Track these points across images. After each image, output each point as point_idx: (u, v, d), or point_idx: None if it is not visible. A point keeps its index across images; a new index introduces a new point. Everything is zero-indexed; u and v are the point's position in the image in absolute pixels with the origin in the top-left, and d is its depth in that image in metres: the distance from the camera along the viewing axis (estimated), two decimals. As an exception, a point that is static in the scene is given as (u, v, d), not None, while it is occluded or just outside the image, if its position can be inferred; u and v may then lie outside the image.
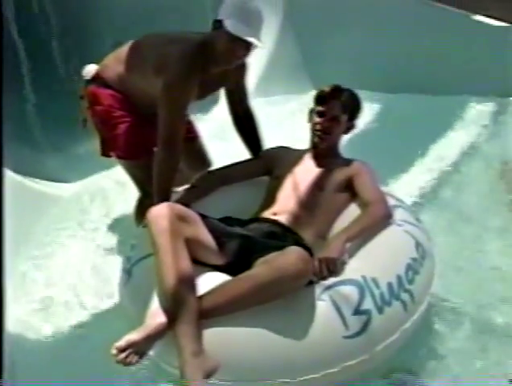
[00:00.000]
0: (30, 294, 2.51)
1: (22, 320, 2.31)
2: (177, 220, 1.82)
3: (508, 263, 2.51)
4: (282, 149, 2.49)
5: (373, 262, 1.92)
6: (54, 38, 4.17)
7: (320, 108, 2.29)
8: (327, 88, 2.30)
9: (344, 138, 2.39)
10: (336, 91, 2.28)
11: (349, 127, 2.35)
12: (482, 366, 1.99)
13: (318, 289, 1.80)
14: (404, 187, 3.09)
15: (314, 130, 2.32)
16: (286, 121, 4.16)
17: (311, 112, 2.33)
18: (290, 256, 1.71)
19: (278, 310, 1.73)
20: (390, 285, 1.84)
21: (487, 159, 3.45)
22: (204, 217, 1.99)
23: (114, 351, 1.61)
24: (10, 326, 2.14)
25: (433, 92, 4.16)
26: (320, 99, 2.30)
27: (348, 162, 2.29)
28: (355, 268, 1.88)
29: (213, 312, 1.72)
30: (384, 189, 2.30)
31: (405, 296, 1.87)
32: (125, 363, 1.63)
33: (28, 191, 3.10)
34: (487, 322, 2.19)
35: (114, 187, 3.32)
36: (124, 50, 2.48)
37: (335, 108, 2.27)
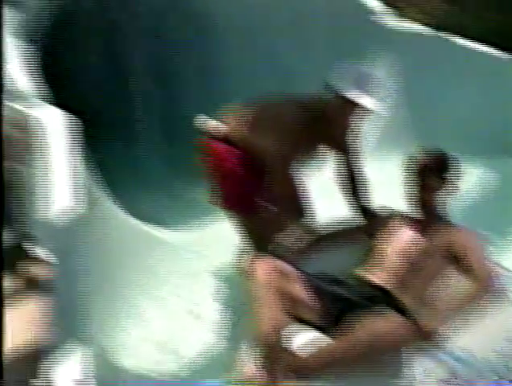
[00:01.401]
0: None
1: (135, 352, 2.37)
2: (276, 275, 1.88)
3: None
4: (385, 212, 2.48)
5: (477, 337, 1.88)
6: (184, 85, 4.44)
7: (416, 179, 2.24)
8: (422, 157, 2.25)
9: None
10: (433, 159, 2.24)
11: (450, 192, 2.28)
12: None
13: (410, 356, 1.77)
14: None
15: (411, 200, 2.28)
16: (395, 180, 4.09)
17: (408, 180, 2.27)
18: (390, 324, 1.71)
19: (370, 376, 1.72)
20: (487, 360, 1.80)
21: None
22: (302, 273, 2.03)
23: None
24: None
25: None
26: (415, 169, 2.25)
27: (453, 228, 2.23)
28: (455, 340, 1.84)
29: (309, 370, 1.74)
30: (492, 259, 2.22)
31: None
32: None
33: (138, 234, 3.25)
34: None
35: (219, 237, 3.39)
36: (241, 109, 2.62)
37: (431, 179, 2.22)
